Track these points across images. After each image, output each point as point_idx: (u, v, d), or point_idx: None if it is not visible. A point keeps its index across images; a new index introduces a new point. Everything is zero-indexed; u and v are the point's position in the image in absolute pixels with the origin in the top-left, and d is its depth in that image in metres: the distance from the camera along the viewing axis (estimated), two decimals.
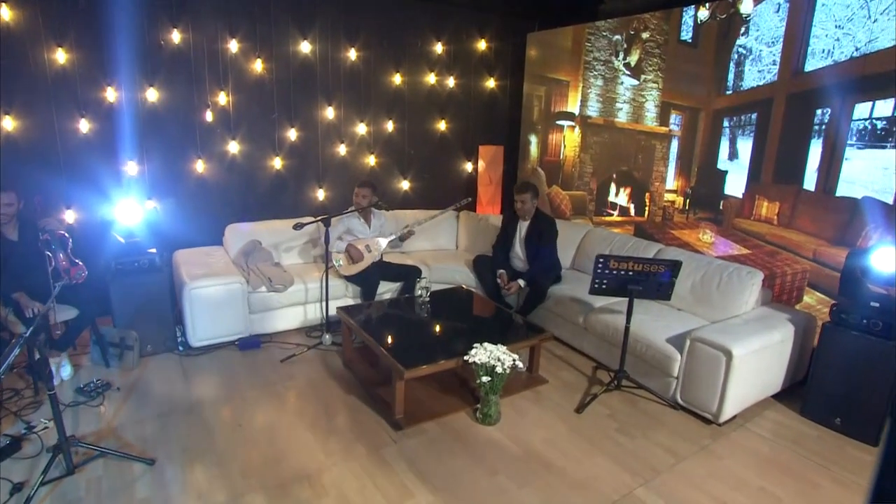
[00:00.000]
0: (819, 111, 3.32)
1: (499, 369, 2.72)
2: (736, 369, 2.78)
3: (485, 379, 2.74)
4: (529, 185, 4.16)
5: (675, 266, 3.00)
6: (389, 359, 2.80)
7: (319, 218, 3.64)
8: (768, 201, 3.63)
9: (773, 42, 3.50)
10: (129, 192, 4.02)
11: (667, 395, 3.13)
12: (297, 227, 3.42)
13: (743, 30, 3.66)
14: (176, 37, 3.96)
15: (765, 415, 3.08)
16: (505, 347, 2.83)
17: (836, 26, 3.16)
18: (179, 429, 2.77)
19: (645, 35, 4.28)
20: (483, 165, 5.43)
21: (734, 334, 2.92)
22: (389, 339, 3.16)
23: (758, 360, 2.91)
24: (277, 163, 4.57)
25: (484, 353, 2.75)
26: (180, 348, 3.63)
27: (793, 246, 3.51)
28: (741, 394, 2.90)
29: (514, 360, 2.76)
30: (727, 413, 2.86)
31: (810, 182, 3.39)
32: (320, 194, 4.81)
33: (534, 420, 2.94)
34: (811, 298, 3.45)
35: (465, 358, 2.77)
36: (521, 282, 4.02)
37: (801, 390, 3.13)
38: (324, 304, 3.79)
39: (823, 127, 3.30)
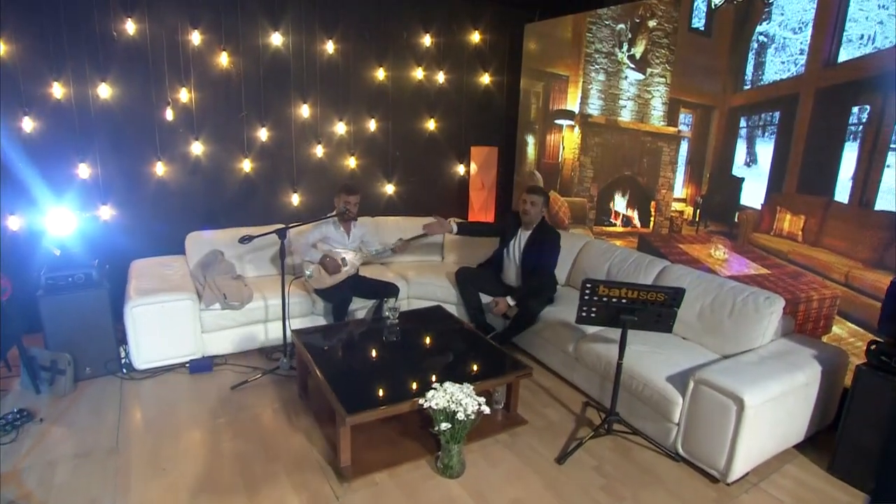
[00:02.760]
0: (855, 109, 2.79)
1: (460, 415, 2.28)
2: (748, 420, 2.30)
3: (444, 426, 2.31)
4: (542, 190, 3.77)
5: (676, 294, 2.52)
6: (334, 399, 2.39)
7: (274, 229, 3.25)
8: (792, 214, 3.12)
9: (800, 28, 2.98)
10: (82, 196, 3.70)
11: (666, 444, 2.66)
12: (245, 240, 3.02)
13: (764, 14, 3.15)
14: (130, 27, 3.62)
15: (784, 471, 2.59)
16: (471, 388, 2.39)
17: (879, 6, 2.63)
18: (94, 474, 2.41)
19: (652, 23, 3.78)
20: (475, 168, 4.99)
21: (747, 376, 2.44)
22: (340, 373, 2.74)
23: (776, 408, 2.42)
24: (246, 165, 4.20)
25: (443, 397, 2.32)
26: (124, 371, 3.29)
27: (820, 267, 3.00)
28: (755, 448, 2.41)
29: (478, 405, 2.32)
30: (737, 471, 2.38)
31: (843, 193, 2.87)
32: (294, 199, 4.43)
33: (505, 472, 2.50)
34: (841, 329, 2.93)
35: (421, 402, 2.35)
36: (511, 300, 3.59)
37: (829, 439, 2.64)
38: (285, 322, 3.39)
39: (860, 128, 2.78)
